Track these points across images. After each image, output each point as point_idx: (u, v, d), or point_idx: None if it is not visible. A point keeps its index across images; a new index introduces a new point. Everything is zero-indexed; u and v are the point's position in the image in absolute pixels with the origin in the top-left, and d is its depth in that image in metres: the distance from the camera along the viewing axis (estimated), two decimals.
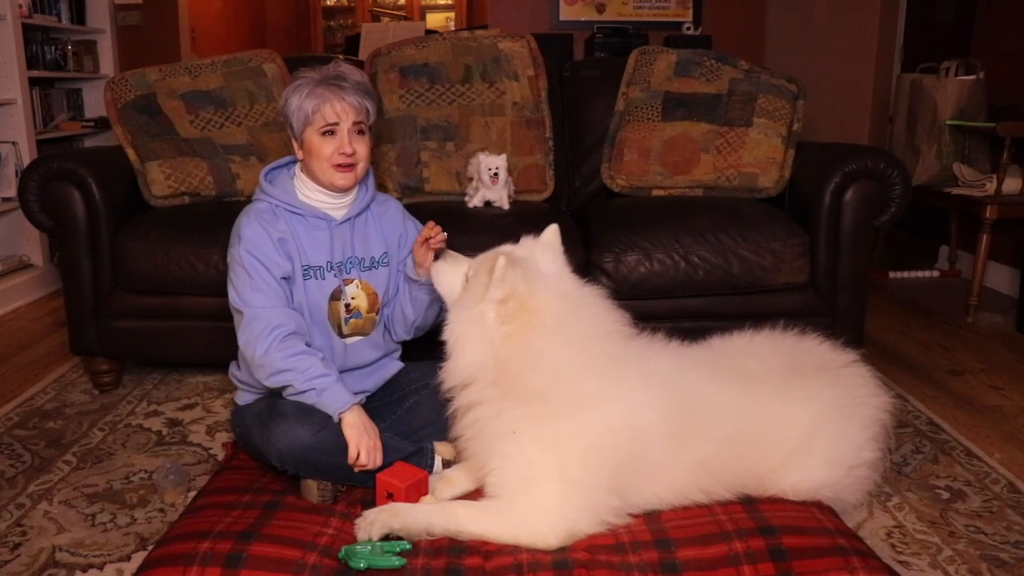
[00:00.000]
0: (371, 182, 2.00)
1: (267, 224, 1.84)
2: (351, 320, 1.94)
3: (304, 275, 1.87)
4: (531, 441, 1.57)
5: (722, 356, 1.79)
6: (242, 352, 1.83)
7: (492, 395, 1.62)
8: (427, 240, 1.87)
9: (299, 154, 1.89)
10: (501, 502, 1.59)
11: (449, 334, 1.66)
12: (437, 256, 1.81)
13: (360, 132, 1.86)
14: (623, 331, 1.67)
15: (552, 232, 1.74)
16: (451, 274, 1.73)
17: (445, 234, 1.89)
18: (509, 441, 1.59)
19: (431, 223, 1.89)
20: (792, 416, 1.69)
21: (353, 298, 1.93)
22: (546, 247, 1.71)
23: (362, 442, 1.74)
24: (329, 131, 1.82)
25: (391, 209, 2.03)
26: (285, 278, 1.83)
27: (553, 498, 1.56)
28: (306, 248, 1.88)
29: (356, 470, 1.76)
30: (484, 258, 1.67)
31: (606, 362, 1.61)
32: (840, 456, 1.71)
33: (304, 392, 1.76)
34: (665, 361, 1.70)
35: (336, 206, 1.92)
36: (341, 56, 3.81)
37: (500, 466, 1.60)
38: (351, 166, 1.85)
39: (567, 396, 1.57)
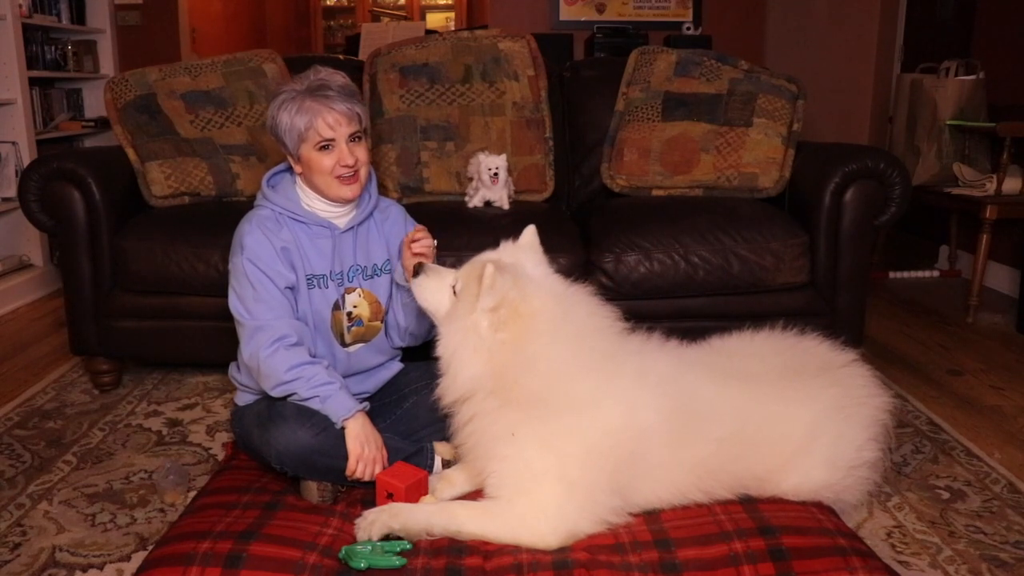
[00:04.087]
0: (374, 188, 1.97)
1: (270, 232, 1.81)
2: (353, 328, 1.93)
3: (308, 284, 1.85)
4: (530, 442, 1.57)
5: (722, 356, 1.79)
6: (246, 362, 1.82)
7: (491, 405, 1.60)
8: (412, 242, 1.84)
9: (297, 168, 1.85)
10: (501, 502, 1.59)
11: (443, 349, 1.62)
12: (418, 271, 1.72)
13: (357, 139, 1.82)
14: (615, 327, 1.66)
15: (531, 233, 1.71)
16: (435, 289, 1.68)
17: (432, 240, 1.85)
18: (507, 443, 1.58)
19: (420, 227, 1.87)
20: (792, 417, 1.69)
21: (355, 307, 1.92)
22: (528, 249, 1.69)
23: (364, 454, 1.74)
24: (326, 145, 1.78)
25: (393, 214, 2.01)
26: (289, 288, 1.81)
27: (553, 498, 1.56)
28: (309, 257, 1.86)
29: (349, 479, 1.76)
30: (470, 267, 1.63)
31: (601, 359, 1.60)
32: (840, 457, 1.71)
33: (308, 399, 1.75)
34: (663, 359, 1.70)
35: (339, 213, 1.90)
36: (341, 56, 3.80)
37: (499, 468, 1.60)
38: (354, 175, 1.83)
39: (565, 396, 1.57)
